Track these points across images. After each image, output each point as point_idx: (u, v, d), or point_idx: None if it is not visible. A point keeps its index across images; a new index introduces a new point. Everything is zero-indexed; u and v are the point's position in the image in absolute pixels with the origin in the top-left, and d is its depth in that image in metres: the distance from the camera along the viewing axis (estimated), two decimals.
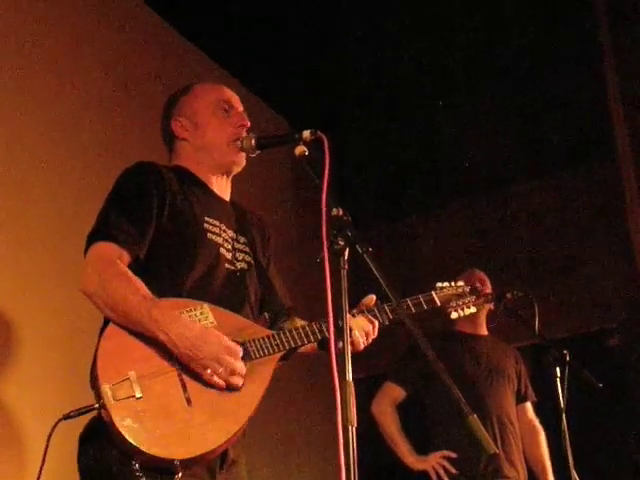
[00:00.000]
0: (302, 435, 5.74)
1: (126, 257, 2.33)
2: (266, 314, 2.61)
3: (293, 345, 2.41)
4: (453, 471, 4.09)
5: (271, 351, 2.37)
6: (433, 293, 2.72)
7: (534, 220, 6.42)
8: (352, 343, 2.35)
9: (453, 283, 2.82)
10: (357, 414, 1.80)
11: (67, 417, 2.18)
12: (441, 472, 4.10)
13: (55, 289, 3.90)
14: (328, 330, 1.88)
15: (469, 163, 6.28)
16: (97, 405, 2.15)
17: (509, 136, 6.15)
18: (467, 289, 2.84)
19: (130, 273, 2.29)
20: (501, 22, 5.72)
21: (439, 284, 2.78)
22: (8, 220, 3.86)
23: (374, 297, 2.58)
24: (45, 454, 2.18)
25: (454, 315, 2.82)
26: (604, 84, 5.87)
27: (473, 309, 2.86)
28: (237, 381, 2.25)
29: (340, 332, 1.87)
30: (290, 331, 2.43)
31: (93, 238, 2.35)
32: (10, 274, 3.79)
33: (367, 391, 4.29)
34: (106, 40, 4.75)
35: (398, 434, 4.32)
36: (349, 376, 1.83)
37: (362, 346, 2.50)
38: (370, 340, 2.54)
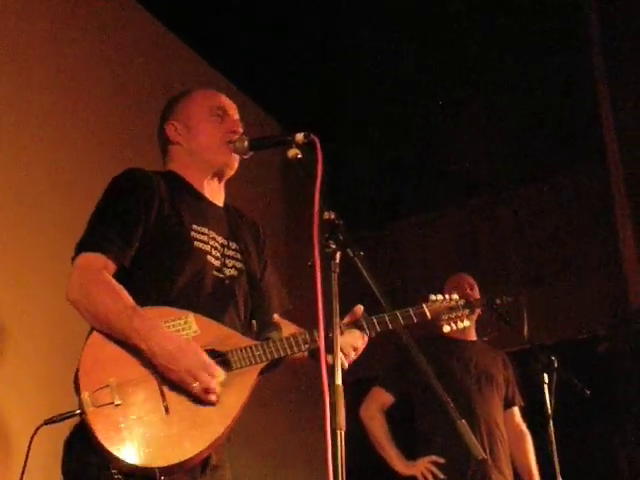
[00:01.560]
0: (291, 440, 5.74)
1: (111, 266, 2.35)
2: (254, 322, 2.59)
3: (276, 356, 2.40)
4: (441, 476, 4.08)
5: (253, 362, 2.36)
6: (424, 306, 2.67)
7: (523, 226, 6.44)
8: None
9: (447, 296, 2.77)
10: (346, 418, 1.80)
11: (49, 422, 2.20)
12: (429, 477, 4.09)
13: (45, 292, 3.89)
14: (318, 335, 1.87)
15: (458, 168, 6.29)
16: (78, 411, 2.17)
17: (500, 141, 6.16)
18: (461, 302, 2.78)
19: (114, 282, 2.31)
20: (497, 29, 5.74)
21: (432, 296, 2.72)
22: (1, 222, 3.86)
23: (361, 308, 2.56)
24: (27, 458, 2.19)
25: (446, 329, 2.75)
26: (595, 89, 5.90)
27: (467, 323, 2.80)
28: (210, 398, 2.25)
29: (329, 340, 1.86)
30: (274, 342, 2.42)
31: (80, 248, 2.38)
32: (0, 277, 3.78)
33: (356, 395, 4.28)
34: (102, 43, 4.76)
35: (386, 439, 4.31)
36: (339, 380, 1.82)
37: (348, 361, 2.47)
38: (359, 354, 2.52)
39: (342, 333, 2.40)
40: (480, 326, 4.50)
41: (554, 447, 3.64)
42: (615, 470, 5.40)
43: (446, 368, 4.17)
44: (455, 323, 2.76)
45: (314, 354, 2.55)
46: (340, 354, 2.36)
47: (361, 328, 2.53)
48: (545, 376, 3.76)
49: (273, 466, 5.53)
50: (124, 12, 5.05)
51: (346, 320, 2.52)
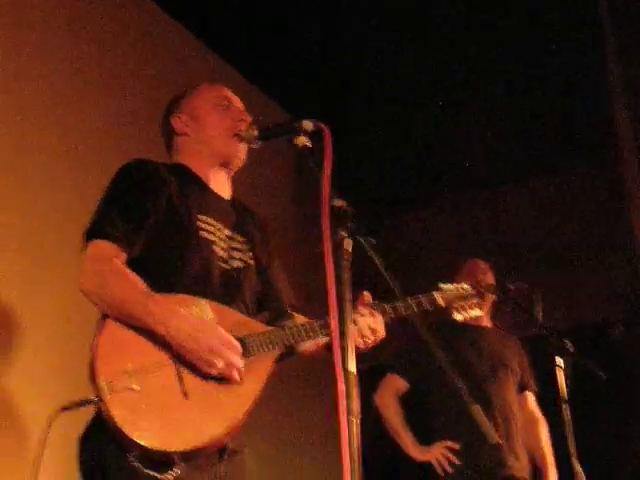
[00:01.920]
0: (303, 427, 5.75)
1: (122, 255, 2.35)
2: (266, 314, 2.59)
3: (292, 341, 2.41)
4: (457, 462, 4.08)
5: (270, 347, 2.37)
6: (436, 294, 2.66)
7: (538, 212, 6.43)
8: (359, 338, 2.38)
9: (457, 285, 2.76)
10: (360, 405, 1.80)
11: (65, 409, 2.20)
12: (444, 463, 4.10)
13: (57, 281, 3.90)
14: (331, 322, 1.87)
15: (468, 159, 6.27)
16: (95, 398, 2.17)
17: (510, 132, 6.14)
18: (472, 291, 2.77)
19: (127, 270, 2.32)
20: (501, 19, 5.71)
21: (442, 285, 2.72)
22: (9, 213, 3.86)
23: (369, 294, 2.54)
24: (44, 445, 2.19)
25: (458, 317, 2.74)
26: (606, 76, 5.86)
27: (477, 312, 2.79)
28: (234, 374, 2.26)
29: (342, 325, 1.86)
30: (290, 328, 2.42)
31: (90, 235, 2.37)
32: (12, 266, 3.79)
33: (370, 382, 4.28)
34: (101, 30, 4.74)
35: (401, 426, 4.32)
36: (352, 367, 1.82)
37: (364, 342, 2.45)
38: (379, 338, 2.49)
39: (355, 321, 2.39)
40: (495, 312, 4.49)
41: (570, 432, 3.63)
42: (631, 453, 5.39)
43: (460, 354, 4.17)
44: (466, 311, 2.75)
45: (329, 345, 2.54)
46: (358, 338, 2.40)
47: (382, 313, 2.51)
48: (560, 360, 3.75)
49: (288, 455, 5.54)
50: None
51: (357, 307, 2.49)
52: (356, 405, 1.79)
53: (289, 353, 2.46)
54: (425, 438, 4.29)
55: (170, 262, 2.41)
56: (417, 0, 5.42)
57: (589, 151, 6.24)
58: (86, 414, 2.27)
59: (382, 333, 2.51)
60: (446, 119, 6.26)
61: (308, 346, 2.56)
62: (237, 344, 2.28)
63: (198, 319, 2.27)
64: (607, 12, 5.71)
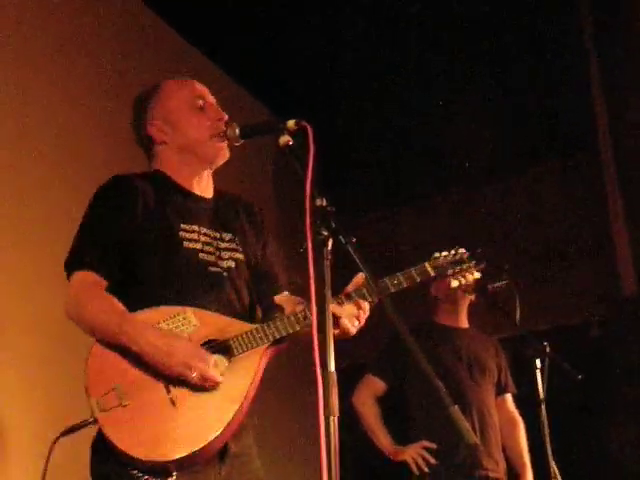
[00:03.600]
0: (284, 426, 5.74)
1: (103, 281, 2.41)
2: (259, 309, 2.61)
3: (277, 336, 2.41)
4: (432, 461, 4.09)
5: (254, 345, 2.38)
6: (426, 264, 2.57)
7: (515, 213, 6.45)
8: (342, 331, 2.39)
9: (452, 251, 2.65)
10: (339, 403, 1.81)
11: (65, 434, 2.31)
12: (420, 462, 4.11)
13: (50, 302, 3.90)
14: (312, 321, 1.88)
15: (452, 155, 6.29)
16: (91, 419, 2.26)
17: (494, 129, 6.17)
18: (466, 255, 2.66)
19: (104, 294, 2.38)
20: (493, 18, 5.74)
21: (436, 254, 2.62)
22: (3, 222, 3.88)
23: (363, 276, 2.48)
24: (45, 472, 2.28)
25: (454, 283, 2.63)
26: (588, 77, 5.90)
27: (477, 274, 2.67)
28: (210, 385, 2.29)
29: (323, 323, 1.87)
30: (274, 322, 2.42)
31: (71, 267, 2.44)
32: (6, 279, 3.81)
33: (348, 380, 4.29)
34: (88, 25, 4.73)
35: (378, 426, 4.33)
36: (331, 366, 1.83)
37: (353, 331, 2.44)
38: (362, 321, 2.47)
39: (336, 320, 2.38)
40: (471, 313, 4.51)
41: (546, 433, 3.66)
42: (607, 455, 5.43)
43: (437, 354, 4.17)
44: (464, 277, 2.63)
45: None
46: (345, 325, 2.39)
47: (363, 296, 2.47)
48: (537, 361, 3.78)
49: (270, 454, 5.54)
50: None
51: (349, 288, 2.48)
52: (335, 404, 1.79)
53: (277, 342, 2.44)
54: (403, 439, 4.30)
55: (156, 278, 2.42)
56: None
57: (569, 152, 6.28)
58: (87, 435, 2.33)
59: (364, 315, 2.48)
60: (433, 118, 6.29)
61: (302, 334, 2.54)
62: (208, 355, 2.30)
63: (171, 335, 2.32)
64: (589, 17, 5.77)
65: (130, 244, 2.42)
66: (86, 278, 2.40)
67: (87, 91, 4.61)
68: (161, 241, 2.46)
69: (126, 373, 2.28)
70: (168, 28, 5.43)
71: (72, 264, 2.44)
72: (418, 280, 2.54)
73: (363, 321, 2.49)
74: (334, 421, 1.78)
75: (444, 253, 2.63)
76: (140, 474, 2.19)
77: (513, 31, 5.84)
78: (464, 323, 4.50)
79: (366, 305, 2.48)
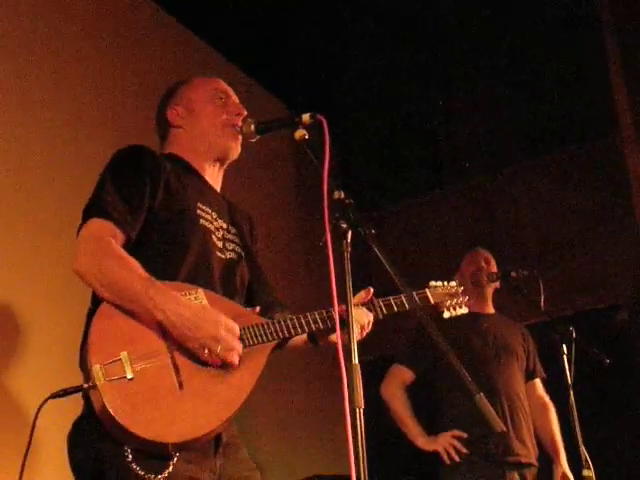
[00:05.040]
0: (310, 418, 5.77)
1: (120, 237, 2.28)
2: (257, 306, 2.52)
3: (288, 334, 2.38)
4: (464, 451, 4.09)
5: (265, 339, 2.33)
6: (427, 290, 2.73)
7: (540, 199, 6.42)
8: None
9: (446, 283, 2.81)
10: (365, 396, 1.81)
11: (54, 396, 2.14)
12: (452, 452, 4.10)
13: (50, 272, 3.94)
14: (333, 314, 1.89)
15: (472, 143, 6.28)
16: (86, 385, 2.10)
17: (513, 115, 6.14)
18: (460, 289, 2.84)
19: (125, 253, 2.24)
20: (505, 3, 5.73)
21: (432, 283, 2.78)
22: (6, 206, 3.91)
23: (371, 290, 2.58)
24: (32, 432, 2.15)
25: (446, 314, 2.80)
26: (606, 61, 5.86)
27: (465, 309, 2.85)
28: (234, 359, 2.21)
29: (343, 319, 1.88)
30: (285, 320, 2.40)
31: (89, 213, 2.30)
32: (5, 258, 3.84)
33: (376, 373, 4.29)
34: (97, 22, 4.76)
35: (408, 416, 4.31)
36: (355, 359, 1.83)
37: (357, 338, 2.45)
38: (364, 334, 2.52)
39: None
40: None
41: (575, 418, 3.64)
42: (637, 438, 5.40)
43: (465, 342, 4.17)
44: (454, 309, 2.80)
45: (314, 338, 2.58)
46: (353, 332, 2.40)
47: (370, 310, 2.54)
48: (564, 347, 3.76)
49: (293, 444, 5.57)
50: None
51: (355, 301, 2.49)
52: (360, 396, 1.80)
53: (280, 345, 2.45)
54: (433, 428, 4.29)
55: (170, 249, 2.37)
56: None
57: (591, 137, 6.24)
58: (75, 405, 2.23)
59: (369, 327, 2.54)
60: (449, 107, 6.28)
61: (295, 339, 2.55)
62: (237, 328, 2.25)
63: (198, 305, 2.24)
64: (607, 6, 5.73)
65: (150, 210, 2.36)
66: (102, 228, 2.25)
67: (98, 83, 4.65)
68: (180, 213, 2.41)
69: (135, 343, 2.14)
70: (184, 28, 5.46)
71: (92, 210, 2.29)
72: (419, 305, 2.64)
73: (365, 334, 2.53)
74: (360, 412, 1.78)
75: (439, 283, 2.80)
76: (133, 462, 2.07)
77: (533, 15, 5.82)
78: (490, 309, 4.49)
79: (371, 316, 2.55)
